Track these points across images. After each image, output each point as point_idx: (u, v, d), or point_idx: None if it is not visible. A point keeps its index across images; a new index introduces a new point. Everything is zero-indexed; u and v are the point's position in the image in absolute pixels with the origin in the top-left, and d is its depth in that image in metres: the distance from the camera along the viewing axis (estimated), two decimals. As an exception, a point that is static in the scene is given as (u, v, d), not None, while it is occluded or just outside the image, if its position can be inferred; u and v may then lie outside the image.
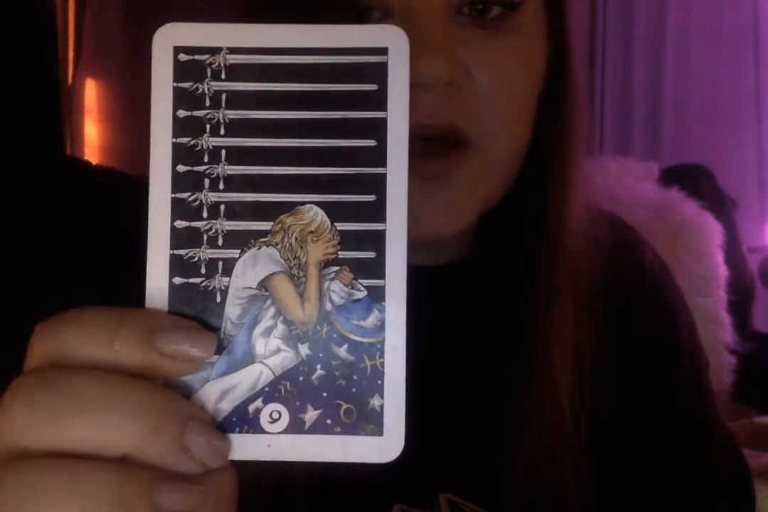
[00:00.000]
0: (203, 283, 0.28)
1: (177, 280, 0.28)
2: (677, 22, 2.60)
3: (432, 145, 0.40)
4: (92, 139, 2.26)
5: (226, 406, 0.27)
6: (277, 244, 0.28)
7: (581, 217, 0.47)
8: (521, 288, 0.47)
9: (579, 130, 0.46)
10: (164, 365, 0.26)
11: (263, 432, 0.27)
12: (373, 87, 0.28)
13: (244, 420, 0.27)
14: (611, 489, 0.48)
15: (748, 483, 0.52)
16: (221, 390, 0.27)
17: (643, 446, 0.50)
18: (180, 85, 0.28)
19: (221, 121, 0.28)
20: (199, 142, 0.28)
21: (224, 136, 0.28)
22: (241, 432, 0.27)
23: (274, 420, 0.27)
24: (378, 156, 0.28)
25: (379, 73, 0.28)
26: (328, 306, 0.28)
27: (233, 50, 0.28)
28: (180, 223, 0.28)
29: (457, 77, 0.39)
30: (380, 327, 0.28)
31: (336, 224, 0.28)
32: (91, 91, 2.26)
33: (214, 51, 0.28)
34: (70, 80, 2.11)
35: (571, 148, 0.46)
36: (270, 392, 0.27)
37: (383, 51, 0.28)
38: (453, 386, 0.47)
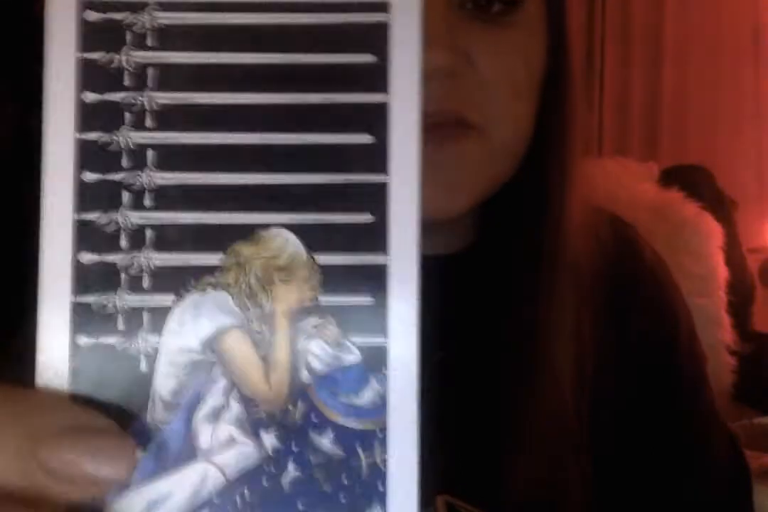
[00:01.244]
0: (121, 345, 0.20)
1: (82, 340, 0.20)
2: (676, 22, 2.65)
3: (433, 126, 0.39)
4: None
5: None
6: (229, 285, 0.20)
7: (582, 215, 0.47)
8: (521, 284, 0.46)
9: (578, 126, 0.47)
10: (55, 490, 0.18)
11: None
12: (369, 58, 0.21)
13: None
14: (611, 488, 0.47)
15: (747, 481, 0.52)
16: (149, 501, 0.19)
17: (641, 443, 0.49)
18: (87, 55, 0.20)
19: (148, 107, 0.20)
20: (114, 137, 0.20)
21: (152, 129, 0.20)
22: None
23: None
24: (376, 158, 0.21)
25: (377, 38, 0.21)
26: (305, 375, 0.20)
27: (165, 5, 0.20)
28: (86, 257, 0.20)
29: (459, 66, 0.40)
30: (381, 406, 0.20)
31: (316, 256, 0.20)
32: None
33: (136, 6, 0.20)
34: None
35: (571, 145, 0.47)
36: (221, 504, 0.19)
37: (382, 7, 0.21)
38: (450, 384, 0.45)
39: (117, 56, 0.20)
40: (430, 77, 0.38)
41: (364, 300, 0.20)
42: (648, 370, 0.50)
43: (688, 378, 0.52)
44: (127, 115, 0.20)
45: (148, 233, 0.20)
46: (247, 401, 0.20)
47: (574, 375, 0.45)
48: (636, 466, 0.49)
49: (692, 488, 0.50)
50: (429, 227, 0.44)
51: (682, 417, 0.51)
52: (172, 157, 0.20)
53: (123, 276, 0.20)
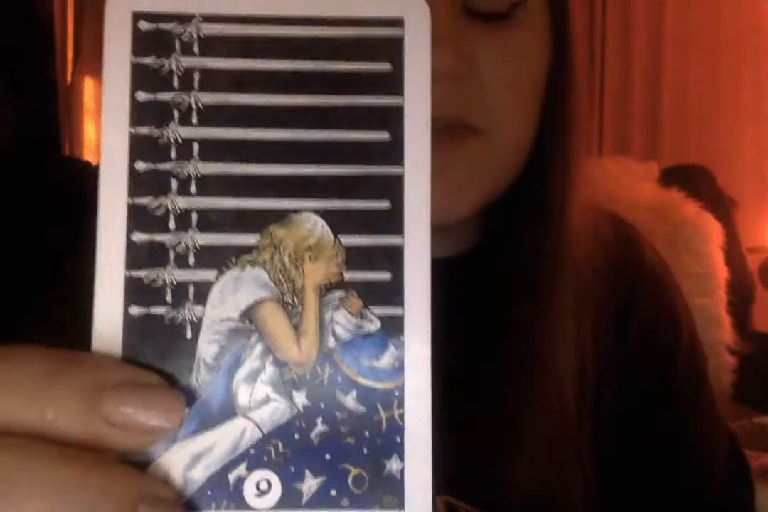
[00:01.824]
0: (169, 314, 0.22)
1: (134, 310, 0.22)
2: (676, 21, 2.62)
3: (437, 131, 0.38)
4: (91, 139, 2.22)
5: (199, 475, 0.21)
6: (265, 262, 0.22)
7: (583, 216, 0.47)
8: (523, 285, 0.46)
9: (580, 127, 0.47)
10: (112, 438, 0.20)
11: (248, 508, 0.21)
12: (386, 67, 0.23)
13: (222, 492, 0.21)
14: (612, 489, 0.47)
15: (747, 481, 0.52)
16: (192, 453, 0.21)
17: (642, 443, 0.49)
18: (140, 60, 0.22)
19: (193, 106, 0.22)
20: (164, 132, 0.22)
21: (197, 125, 0.22)
22: (219, 508, 0.21)
23: (262, 493, 0.21)
24: (393, 152, 0.23)
25: (393, 49, 0.23)
26: (332, 342, 0.22)
27: (208, 18, 0.23)
28: (139, 236, 0.22)
29: (463, 69, 0.39)
30: (398, 368, 0.22)
31: (340, 237, 0.22)
32: (89, 90, 2.22)
33: (183, 18, 0.23)
34: (69, 79, 2.06)
35: (573, 146, 0.46)
36: (256, 455, 0.22)
37: (398, 22, 0.23)
38: (452, 381, 0.44)
39: (166, 61, 0.22)
40: (433, 80, 0.39)
41: (382, 275, 0.22)
42: (648, 371, 0.50)
43: (688, 379, 0.51)
44: (175, 113, 0.22)
45: (193, 216, 0.22)
46: (281, 364, 0.22)
47: (575, 376, 0.45)
48: (636, 467, 0.48)
49: (693, 488, 0.49)
50: (433, 230, 0.45)
51: (682, 418, 0.50)
52: (214, 150, 0.22)
53: (171, 254, 0.22)
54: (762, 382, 1.60)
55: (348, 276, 0.22)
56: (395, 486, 0.21)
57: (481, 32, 0.40)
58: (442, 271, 0.46)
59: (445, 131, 0.39)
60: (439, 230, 0.45)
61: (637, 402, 0.49)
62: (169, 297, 0.22)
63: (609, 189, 1.51)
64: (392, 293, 0.22)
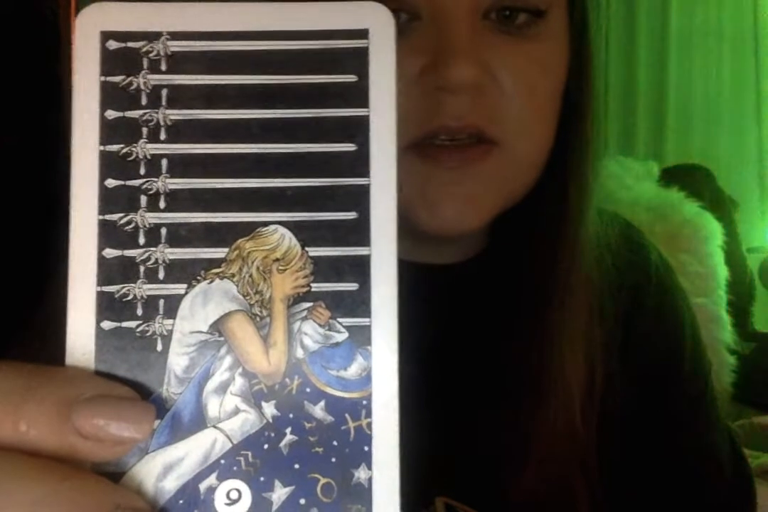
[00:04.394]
0: (140, 328, 0.22)
1: (106, 325, 0.22)
2: (679, 22, 2.62)
3: (456, 139, 0.41)
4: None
5: (171, 485, 0.22)
6: (233, 275, 0.23)
7: (594, 221, 0.47)
8: (534, 291, 0.46)
9: (598, 136, 0.47)
10: (85, 449, 0.20)
11: None
12: (351, 78, 0.23)
13: (194, 502, 0.22)
14: (615, 493, 0.47)
15: (749, 483, 0.52)
16: (164, 464, 0.22)
17: (646, 446, 0.49)
18: (109, 79, 0.23)
19: (161, 123, 0.23)
20: (133, 149, 0.23)
21: (165, 141, 0.23)
22: None
23: (232, 502, 0.22)
24: (358, 163, 0.23)
25: (358, 61, 0.23)
26: (300, 352, 0.23)
27: (175, 35, 0.23)
28: (109, 252, 0.22)
29: (483, 81, 0.40)
30: (366, 378, 0.22)
31: (308, 249, 0.23)
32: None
33: (151, 36, 0.23)
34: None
35: (590, 155, 0.46)
36: (227, 465, 0.22)
37: (363, 34, 0.23)
38: (457, 386, 0.46)
39: (135, 79, 0.23)
40: (454, 92, 0.39)
41: (350, 286, 0.22)
42: (652, 375, 0.50)
43: (692, 383, 0.51)
44: (144, 130, 0.23)
45: (163, 231, 0.22)
46: (250, 375, 0.22)
47: (584, 380, 0.45)
48: (640, 471, 0.49)
49: (696, 491, 0.50)
50: (442, 239, 0.46)
51: (685, 423, 0.51)
52: (182, 165, 0.23)
53: (141, 268, 0.22)
54: (762, 382, 1.60)
55: (316, 287, 0.23)
56: (364, 495, 0.22)
57: (500, 43, 0.41)
58: (446, 278, 0.47)
59: (466, 145, 0.40)
60: (448, 239, 0.46)
61: (641, 406, 0.49)
62: (139, 311, 0.22)
63: (609, 189, 1.51)
64: (359, 303, 0.22)
